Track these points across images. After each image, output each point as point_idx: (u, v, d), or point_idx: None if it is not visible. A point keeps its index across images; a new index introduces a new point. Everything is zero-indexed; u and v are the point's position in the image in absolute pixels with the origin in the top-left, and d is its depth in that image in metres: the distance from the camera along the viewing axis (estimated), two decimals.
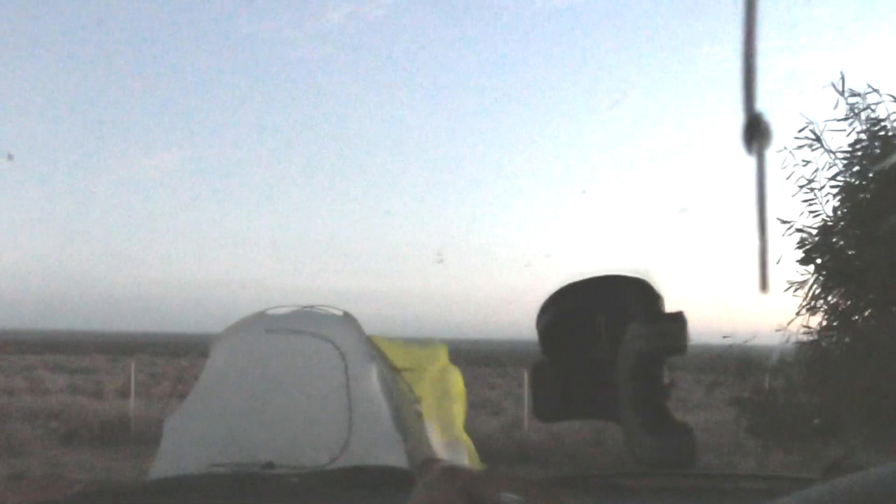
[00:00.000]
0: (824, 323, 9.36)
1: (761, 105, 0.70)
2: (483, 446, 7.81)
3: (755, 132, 0.62)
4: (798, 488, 1.14)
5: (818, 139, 9.16)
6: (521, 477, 1.12)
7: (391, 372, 5.96)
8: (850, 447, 9.01)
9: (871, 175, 9.02)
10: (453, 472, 1.12)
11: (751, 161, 0.77)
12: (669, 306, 1.23)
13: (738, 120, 0.72)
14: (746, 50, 0.62)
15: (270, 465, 1.70)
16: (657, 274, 1.28)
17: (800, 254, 9.32)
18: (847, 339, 9.26)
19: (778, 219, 9.22)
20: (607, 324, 1.24)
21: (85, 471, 10.92)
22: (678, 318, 1.17)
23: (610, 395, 1.19)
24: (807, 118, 9.04)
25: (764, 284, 0.78)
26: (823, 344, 9.32)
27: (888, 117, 8.98)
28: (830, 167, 9.18)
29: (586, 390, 1.26)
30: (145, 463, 6.42)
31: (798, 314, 9.43)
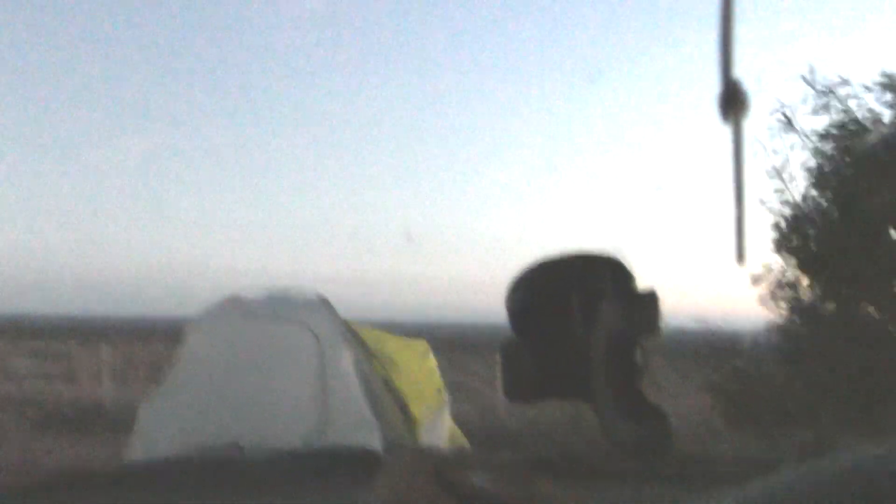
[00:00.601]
0: (793, 311, 9.44)
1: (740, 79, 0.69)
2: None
3: (732, 100, 0.61)
4: (771, 472, 1.13)
5: (790, 122, 9.21)
6: (491, 459, 1.11)
7: (367, 356, 5.94)
8: (824, 431, 9.08)
9: (845, 161, 9.08)
10: (423, 454, 1.11)
11: (727, 133, 0.75)
12: (643, 286, 1.22)
13: (714, 92, 0.71)
14: (724, 14, 0.60)
15: (238, 447, 1.68)
16: (630, 253, 1.27)
17: (772, 242, 9.40)
18: (817, 327, 9.33)
19: (760, 200, 9.29)
20: (580, 303, 1.23)
21: (60, 457, 10.85)
22: (650, 297, 1.16)
23: (583, 376, 1.17)
24: (780, 101, 9.10)
25: (741, 255, 0.77)
26: (794, 330, 9.39)
27: (859, 108, 9.06)
28: (803, 149, 9.24)
29: (558, 370, 1.24)
30: (120, 449, 6.37)
31: (768, 300, 9.51)
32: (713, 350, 10.51)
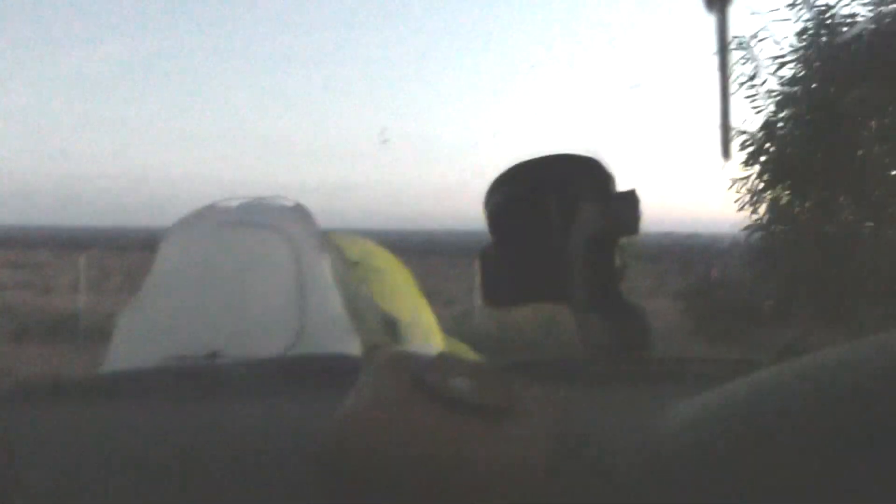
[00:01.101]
0: (768, 216, 9.48)
1: None
2: None
3: None
4: (751, 372, 1.13)
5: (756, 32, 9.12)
6: (470, 362, 1.10)
7: (345, 263, 5.93)
8: (797, 332, 9.20)
9: (815, 65, 9.03)
10: (401, 357, 1.09)
11: (709, 27, 0.72)
12: (622, 187, 1.20)
13: None
14: None
15: (214, 354, 1.67)
16: (608, 155, 1.24)
17: (743, 155, 9.39)
18: (791, 228, 9.39)
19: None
20: (558, 204, 1.20)
21: (35, 366, 10.87)
22: (630, 197, 1.13)
23: (562, 279, 1.16)
24: (751, 8, 8.99)
25: (726, 151, 0.75)
26: (769, 232, 9.45)
27: (837, 5, 8.97)
28: (775, 59, 9.18)
29: (537, 273, 1.23)
30: (97, 358, 6.38)
31: (741, 209, 9.54)
32: (687, 255, 10.60)
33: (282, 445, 1.16)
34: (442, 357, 1.08)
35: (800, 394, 1.01)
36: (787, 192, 9.39)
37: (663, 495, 0.95)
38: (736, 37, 8.68)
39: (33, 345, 12.94)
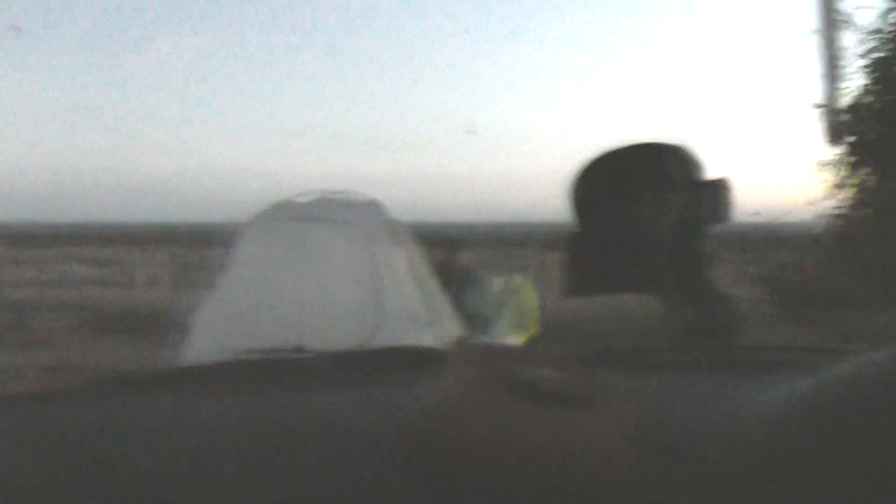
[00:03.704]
0: (851, 199, 9.29)
1: None
2: None
3: None
4: (843, 359, 1.10)
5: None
6: (555, 353, 1.09)
7: (420, 257, 5.94)
8: (878, 318, 8.99)
9: None
10: (487, 350, 1.09)
11: (807, 10, 0.70)
12: (711, 174, 1.18)
13: None
14: None
15: (300, 348, 1.68)
16: (694, 142, 1.22)
17: (830, 138, 9.21)
18: (872, 212, 9.19)
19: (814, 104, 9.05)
20: (646, 193, 1.18)
21: (115, 360, 11.08)
22: (722, 185, 1.11)
23: (649, 268, 1.14)
24: None
25: (835, 135, 0.72)
26: (852, 219, 9.26)
27: None
28: (862, 44, 8.98)
29: (624, 262, 1.21)
30: (174, 352, 6.48)
31: (827, 195, 9.36)
32: (768, 241, 10.43)
33: (371, 436, 1.16)
34: (527, 349, 1.07)
35: (892, 383, 0.98)
36: (873, 176, 9.20)
37: (749, 487, 0.93)
38: (840, 14, 8.52)
39: (114, 339, 13.20)
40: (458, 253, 7.42)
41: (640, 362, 1.60)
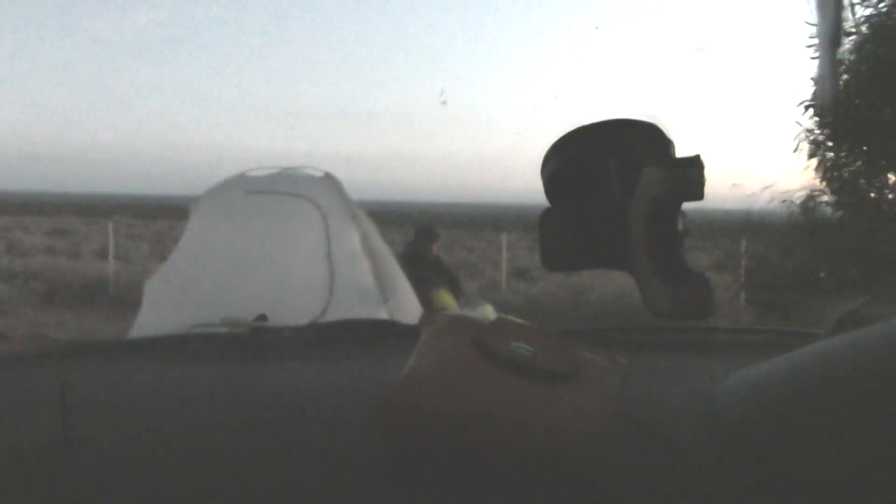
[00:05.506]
0: (827, 180, 9.36)
1: None
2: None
3: None
4: (809, 342, 1.11)
5: None
6: (530, 327, 1.09)
7: (375, 233, 5.93)
8: (857, 303, 8.99)
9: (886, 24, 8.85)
10: (461, 321, 1.08)
11: None
12: (684, 152, 1.18)
13: None
14: None
15: (263, 317, 1.67)
16: (667, 120, 1.22)
17: (808, 121, 9.26)
18: (849, 199, 9.27)
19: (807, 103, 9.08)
20: (618, 169, 1.18)
21: (66, 330, 10.96)
22: (695, 162, 1.11)
23: (621, 243, 1.14)
24: None
25: (833, 102, 0.72)
26: (827, 203, 9.34)
27: None
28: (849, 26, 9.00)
29: (596, 238, 1.21)
30: (125, 323, 6.41)
31: (802, 179, 9.42)
32: (739, 224, 10.53)
33: (338, 403, 1.15)
34: (501, 321, 1.07)
35: (857, 365, 0.99)
36: (851, 163, 9.27)
37: (720, 462, 0.94)
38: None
39: (64, 309, 13.05)
40: (432, 243, 7.44)
41: (615, 340, 1.61)
